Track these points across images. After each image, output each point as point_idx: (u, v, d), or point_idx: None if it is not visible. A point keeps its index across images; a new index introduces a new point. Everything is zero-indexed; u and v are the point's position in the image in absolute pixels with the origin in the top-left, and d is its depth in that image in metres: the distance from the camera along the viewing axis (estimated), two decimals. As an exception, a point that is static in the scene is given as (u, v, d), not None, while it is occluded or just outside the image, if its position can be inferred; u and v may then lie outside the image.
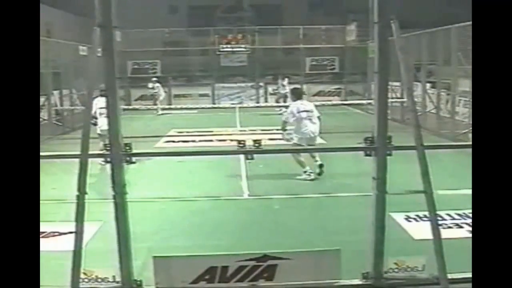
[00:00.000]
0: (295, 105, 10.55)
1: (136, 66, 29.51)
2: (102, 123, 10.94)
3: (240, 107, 23.70)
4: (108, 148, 4.57)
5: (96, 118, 11.25)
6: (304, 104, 10.68)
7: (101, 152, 4.64)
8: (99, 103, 11.05)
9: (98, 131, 11.10)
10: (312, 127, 10.39)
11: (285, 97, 23.16)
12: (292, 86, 20.05)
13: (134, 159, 4.65)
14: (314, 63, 29.95)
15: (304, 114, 10.36)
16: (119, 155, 4.60)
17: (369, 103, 19.64)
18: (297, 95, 11.00)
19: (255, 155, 4.95)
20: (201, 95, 28.78)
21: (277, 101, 24.32)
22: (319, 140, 14.87)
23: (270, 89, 29.06)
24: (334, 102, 25.37)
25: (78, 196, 4.43)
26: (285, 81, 24.09)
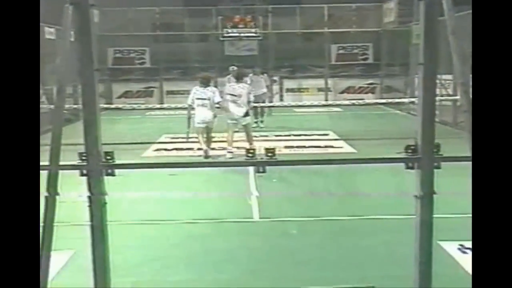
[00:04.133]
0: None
1: (118, 55, 29.60)
2: (201, 114, 13.56)
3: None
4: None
5: (193, 109, 13.67)
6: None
7: (80, 163, 4.63)
8: (197, 93, 13.76)
9: (196, 124, 13.67)
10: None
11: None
12: (265, 82, 20.72)
13: (116, 171, 4.65)
14: (341, 51, 29.96)
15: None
16: (98, 166, 4.60)
17: (412, 102, 19.61)
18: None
19: (267, 167, 4.94)
20: (200, 92, 28.92)
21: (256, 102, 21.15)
22: (348, 149, 14.88)
23: (287, 84, 29.15)
24: (367, 101, 25.40)
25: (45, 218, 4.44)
26: (264, 77, 21.11)
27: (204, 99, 13.68)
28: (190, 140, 14.24)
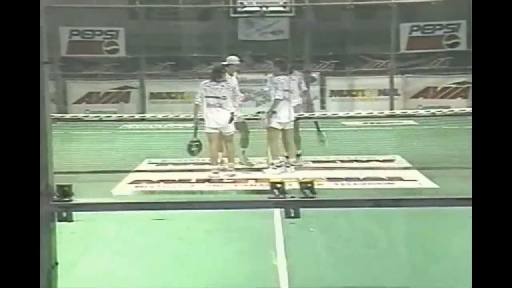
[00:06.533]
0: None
1: (77, 37, 29.69)
2: (213, 116, 15.01)
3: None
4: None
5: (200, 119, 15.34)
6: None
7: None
8: (208, 89, 15.15)
9: (206, 129, 15.29)
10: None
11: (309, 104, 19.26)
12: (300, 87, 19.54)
13: (74, 215, 4.69)
14: (416, 33, 29.93)
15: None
16: (47, 207, 4.63)
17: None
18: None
19: (302, 210, 4.96)
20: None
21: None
22: (425, 182, 14.84)
23: (331, 84, 29.19)
24: (456, 110, 25.19)
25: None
26: (299, 76, 18.75)
27: (218, 97, 14.86)
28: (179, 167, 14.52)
